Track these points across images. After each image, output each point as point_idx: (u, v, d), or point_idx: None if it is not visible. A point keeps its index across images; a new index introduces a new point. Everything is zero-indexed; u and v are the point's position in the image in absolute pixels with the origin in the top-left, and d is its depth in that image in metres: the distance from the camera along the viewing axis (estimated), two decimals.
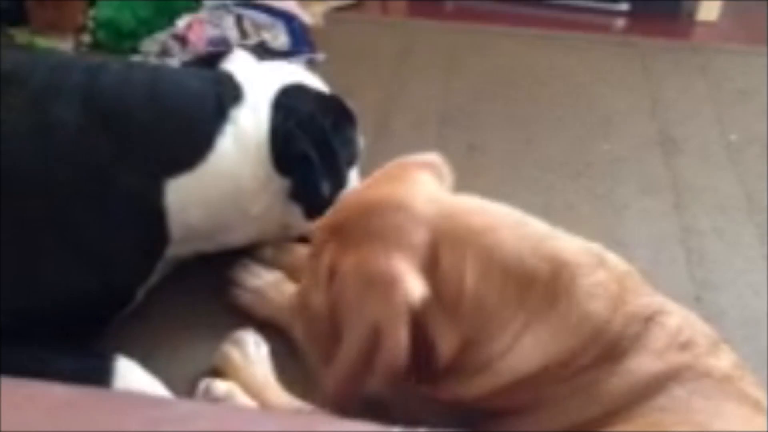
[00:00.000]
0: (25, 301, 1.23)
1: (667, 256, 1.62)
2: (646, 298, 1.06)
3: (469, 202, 1.09)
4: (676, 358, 1.01)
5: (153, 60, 1.99)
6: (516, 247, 1.01)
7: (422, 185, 1.09)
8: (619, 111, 2.02)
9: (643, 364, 1.00)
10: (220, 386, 1.24)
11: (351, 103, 1.49)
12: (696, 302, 1.52)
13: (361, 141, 1.48)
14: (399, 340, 0.96)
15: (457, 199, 1.09)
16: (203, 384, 1.25)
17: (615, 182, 1.80)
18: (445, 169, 1.18)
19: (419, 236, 1.00)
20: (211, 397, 1.24)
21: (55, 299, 1.24)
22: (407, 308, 0.96)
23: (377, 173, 1.14)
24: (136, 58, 2.01)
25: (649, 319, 1.03)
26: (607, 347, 1.00)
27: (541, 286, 1.00)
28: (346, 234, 1.03)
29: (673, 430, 0.94)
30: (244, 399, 1.24)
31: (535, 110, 2.02)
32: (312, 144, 1.33)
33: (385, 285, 0.97)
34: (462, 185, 1.79)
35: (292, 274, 1.43)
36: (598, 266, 1.04)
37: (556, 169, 1.83)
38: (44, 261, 1.23)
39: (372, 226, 1.02)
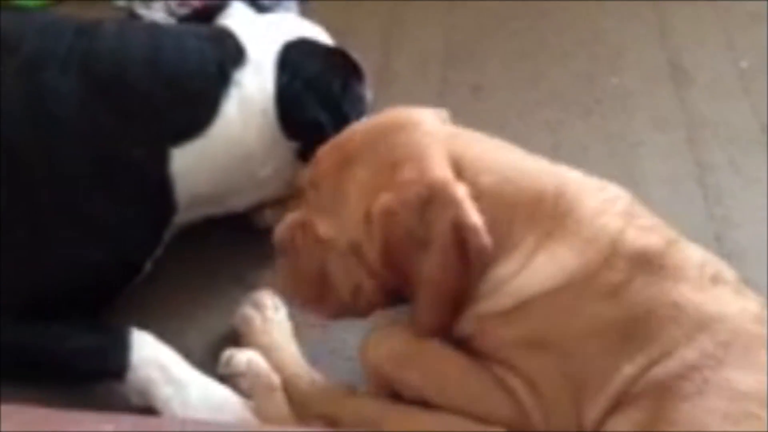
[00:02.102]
0: (32, 278, 1.21)
1: (684, 195, 1.58)
2: (659, 221, 1.06)
3: (475, 134, 1.11)
4: (714, 293, 0.99)
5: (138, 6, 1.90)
6: (521, 166, 1.04)
7: (427, 113, 1.10)
8: (627, 42, 1.95)
9: (687, 296, 0.97)
10: (242, 359, 1.22)
11: (352, 50, 1.43)
12: (716, 241, 1.49)
13: (369, 94, 1.43)
14: (478, 221, 0.97)
15: (461, 129, 1.11)
16: (226, 355, 1.23)
17: (627, 118, 1.75)
18: (447, 117, 1.16)
19: (439, 150, 1.01)
20: (231, 370, 1.21)
21: (62, 274, 1.21)
22: (468, 197, 0.97)
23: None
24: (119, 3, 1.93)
25: (671, 241, 1.02)
26: (636, 258, 0.98)
27: (549, 204, 1.01)
28: (360, 162, 1.02)
29: (707, 391, 0.93)
30: (264, 370, 1.21)
31: (540, 45, 1.95)
32: (321, 106, 1.28)
33: (442, 192, 0.97)
34: (469, 128, 1.75)
35: None
36: (601, 187, 1.06)
37: (565, 107, 1.77)
38: (49, 235, 1.20)
39: (391, 148, 1.01)
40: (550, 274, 0.98)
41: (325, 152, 1.08)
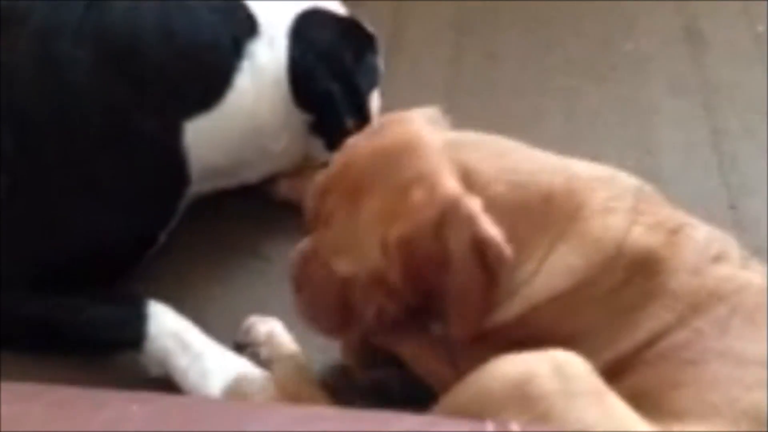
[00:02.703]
0: (47, 250, 1.21)
1: (699, 163, 1.57)
2: (666, 210, 1.05)
3: (474, 135, 1.07)
4: (713, 273, 1.00)
5: None
6: (529, 165, 1.01)
7: (423, 124, 1.05)
8: (642, 7, 1.93)
9: (682, 282, 0.98)
10: (261, 329, 1.23)
11: (364, 19, 1.42)
12: (730, 210, 1.48)
13: (382, 64, 1.42)
14: (496, 233, 0.95)
15: (461, 134, 1.06)
16: (246, 324, 1.24)
17: (642, 84, 1.73)
18: (442, 120, 1.12)
19: (445, 165, 0.98)
20: (251, 339, 1.22)
21: (76, 245, 1.22)
22: (482, 209, 0.95)
23: (390, 117, 1.08)
24: None
25: (674, 232, 1.02)
26: (637, 261, 0.99)
27: (559, 203, 0.99)
28: (369, 193, 0.98)
29: (710, 359, 0.94)
30: (284, 340, 1.22)
31: (553, 10, 1.92)
32: (333, 79, 1.28)
33: (455, 210, 0.94)
34: (482, 96, 1.75)
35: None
36: (609, 180, 1.04)
37: (580, 74, 1.76)
38: (63, 207, 1.21)
39: (397, 174, 0.98)
40: (560, 278, 0.98)
41: (328, 183, 1.04)
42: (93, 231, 1.22)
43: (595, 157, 1.56)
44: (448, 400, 0.91)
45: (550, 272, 0.98)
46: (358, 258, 1.00)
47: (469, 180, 0.97)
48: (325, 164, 1.38)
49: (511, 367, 0.89)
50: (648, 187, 1.08)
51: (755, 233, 1.44)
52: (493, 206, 0.96)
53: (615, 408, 0.90)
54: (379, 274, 0.99)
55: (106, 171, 1.22)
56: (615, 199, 1.01)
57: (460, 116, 1.70)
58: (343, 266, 1.01)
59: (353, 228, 0.99)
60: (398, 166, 0.97)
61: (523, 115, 1.67)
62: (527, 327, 0.99)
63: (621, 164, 1.53)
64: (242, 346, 1.23)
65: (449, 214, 0.94)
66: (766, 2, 1.92)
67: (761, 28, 1.86)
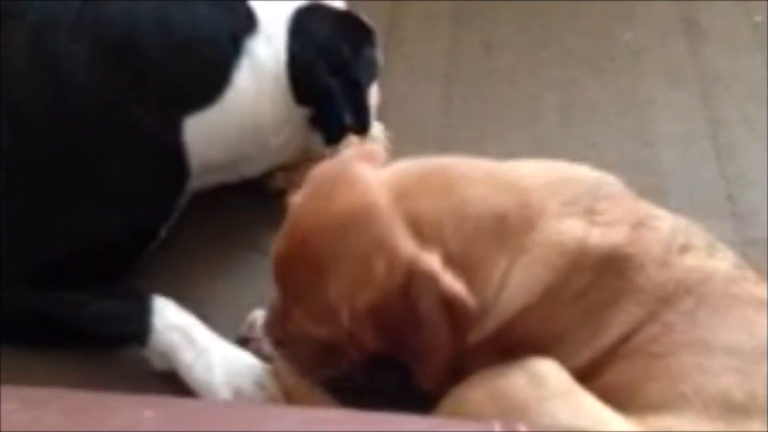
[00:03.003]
0: (47, 245, 1.22)
1: (697, 154, 1.58)
2: (627, 204, 1.07)
3: (419, 170, 1.06)
4: (680, 264, 1.02)
5: None
6: (477, 192, 1.02)
7: (368, 179, 1.04)
8: None
9: (650, 276, 1.01)
10: None
11: (362, 10, 1.42)
12: (728, 201, 1.49)
13: (380, 57, 1.42)
14: (458, 288, 0.97)
15: (405, 173, 1.05)
16: (250, 318, 1.24)
17: (639, 75, 1.74)
18: (383, 155, 1.12)
19: (397, 225, 0.98)
20: (255, 333, 1.23)
21: (76, 241, 1.22)
22: (440, 263, 0.97)
23: (312, 182, 1.06)
24: None
25: (637, 226, 1.04)
26: (602, 260, 1.01)
27: (514, 220, 1.01)
28: (331, 271, 0.99)
29: (679, 351, 0.97)
30: None
31: (550, 1, 1.92)
32: (332, 74, 1.28)
33: (416, 272, 0.96)
34: (479, 87, 1.75)
35: None
36: (564, 183, 1.05)
37: (577, 65, 1.76)
38: (63, 202, 1.21)
39: (354, 247, 0.98)
40: (526, 290, 1.00)
41: (288, 256, 1.04)
42: (93, 226, 1.22)
43: (592, 148, 1.60)
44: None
45: (515, 286, 1.00)
46: (333, 326, 1.01)
47: (422, 231, 0.99)
48: (321, 158, 1.40)
49: (489, 380, 0.96)
50: (609, 181, 1.09)
51: (754, 224, 1.45)
52: (449, 249, 0.98)
53: (588, 406, 0.94)
54: (355, 336, 1.01)
55: (105, 166, 1.22)
56: (569, 203, 1.03)
57: (458, 107, 1.73)
58: (321, 332, 1.03)
59: (324, 301, 1.00)
60: (355, 237, 0.98)
61: (520, 107, 1.68)
62: (508, 337, 1.01)
63: (619, 156, 1.57)
64: (245, 341, 1.24)
65: (412, 278, 0.96)
66: None
67: (759, 18, 1.86)
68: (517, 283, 1.00)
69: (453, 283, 0.97)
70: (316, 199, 1.04)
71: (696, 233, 1.08)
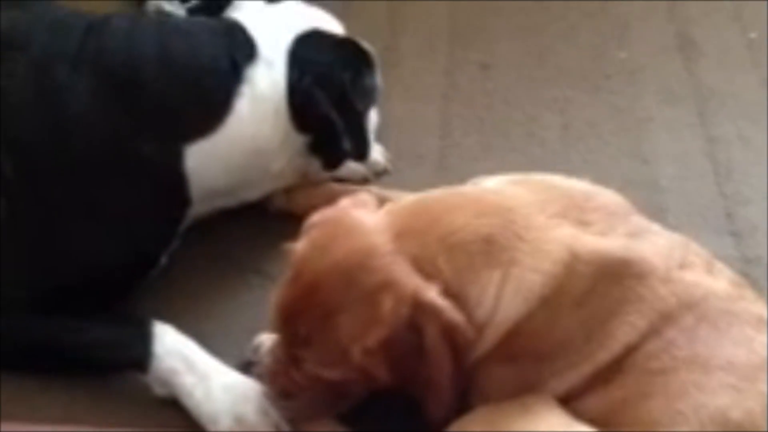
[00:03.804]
0: (49, 273, 1.22)
1: (695, 172, 1.58)
2: (621, 216, 1.09)
3: (407, 211, 1.10)
4: (680, 279, 1.04)
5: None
6: (461, 220, 1.05)
7: (365, 225, 1.08)
8: (635, 13, 1.94)
9: (653, 288, 1.02)
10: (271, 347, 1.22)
11: (360, 35, 1.43)
12: (726, 218, 1.50)
13: (380, 82, 1.42)
14: (458, 319, 1.01)
15: (396, 216, 1.09)
16: (255, 342, 1.23)
17: (635, 93, 1.75)
18: (373, 202, 1.15)
19: (400, 263, 1.03)
20: (259, 357, 1.21)
21: (77, 268, 1.23)
22: (440, 295, 1.01)
23: (312, 232, 1.10)
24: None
25: (632, 236, 1.06)
26: (599, 266, 1.03)
27: (501, 237, 1.04)
28: (340, 311, 1.02)
29: (678, 367, 0.99)
30: None
31: (546, 20, 1.93)
32: (332, 103, 1.29)
33: (421, 305, 1.00)
34: (477, 107, 1.76)
35: (305, 215, 1.41)
36: (550, 198, 1.08)
37: (574, 84, 1.77)
38: (64, 230, 1.21)
39: (361, 288, 1.02)
40: (522, 298, 1.03)
41: (294, 305, 1.07)
42: (94, 254, 1.23)
43: (590, 167, 1.60)
44: None
45: (510, 296, 1.03)
46: (346, 366, 1.04)
47: (421, 267, 1.03)
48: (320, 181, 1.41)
49: (489, 415, 1.01)
50: (602, 193, 1.12)
51: (752, 242, 1.45)
52: (446, 278, 1.02)
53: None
54: (368, 373, 1.04)
55: (106, 195, 1.22)
56: (557, 215, 1.06)
57: (456, 127, 1.73)
58: (334, 374, 1.06)
59: (335, 344, 1.03)
60: (361, 279, 1.02)
61: (518, 127, 1.68)
62: (512, 346, 1.04)
63: (617, 174, 1.58)
64: (249, 364, 1.23)
65: (417, 311, 1.00)
66: (757, 9, 1.94)
67: (753, 35, 1.87)
68: (512, 293, 1.02)
69: (452, 312, 1.01)
70: (319, 247, 1.07)
71: (694, 250, 1.10)
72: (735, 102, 1.72)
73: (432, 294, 1.01)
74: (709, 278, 1.06)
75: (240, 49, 1.28)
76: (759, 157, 1.60)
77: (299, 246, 1.08)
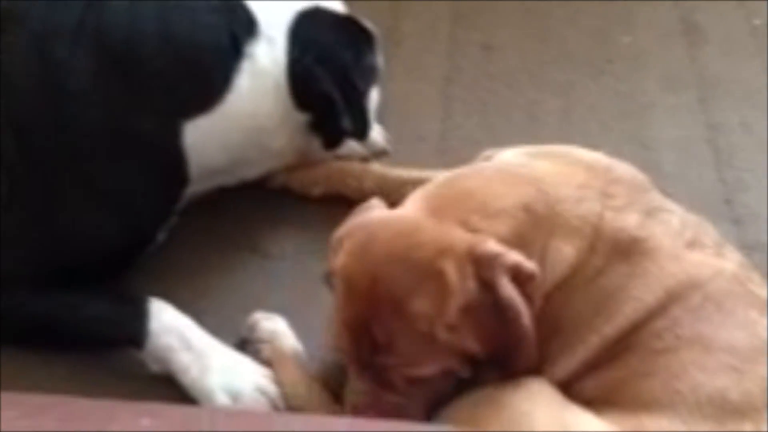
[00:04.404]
0: (46, 249, 1.22)
1: (695, 158, 1.58)
2: (638, 191, 1.10)
3: (438, 187, 1.09)
4: (688, 258, 1.04)
5: None
6: (500, 190, 1.05)
7: (397, 212, 1.07)
8: None
9: (662, 265, 1.03)
10: (267, 326, 1.24)
11: (362, 14, 1.42)
12: (726, 205, 1.49)
13: (381, 61, 1.42)
14: (518, 256, 1.00)
15: (425, 195, 1.08)
16: (251, 320, 1.24)
17: (638, 78, 1.74)
18: (384, 206, 1.13)
19: (451, 229, 1.01)
20: (255, 336, 1.23)
21: (75, 244, 1.23)
22: (497, 246, 1.00)
23: (343, 243, 1.06)
24: None
25: (648, 214, 1.07)
26: (613, 243, 1.04)
27: (539, 208, 1.04)
28: (407, 298, 0.98)
29: (680, 347, 1.00)
30: (288, 340, 1.23)
31: (550, 3, 1.92)
32: (333, 79, 1.28)
33: (483, 258, 0.98)
34: (479, 89, 1.75)
35: (305, 190, 1.42)
36: (576, 171, 1.08)
37: (576, 68, 1.76)
38: (62, 206, 1.21)
39: (419, 267, 0.99)
40: (558, 267, 1.03)
41: (366, 325, 1.01)
42: (92, 230, 1.23)
43: (591, 151, 1.59)
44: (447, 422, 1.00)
45: (549, 268, 1.02)
46: (437, 355, 1.00)
47: (469, 229, 1.01)
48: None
49: (488, 395, 1.00)
50: (621, 166, 1.13)
51: (752, 228, 1.45)
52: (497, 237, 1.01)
53: (574, 417, 0.97)
54: (459, 350, 1.00)
55: (105, 171, 1.22)
56: (583, 186, 1.07)
57: (457, 109, 1.72)
58: (429, 369, 1.01)
59: (418, 334, 0.98)
60: (416, 259, 0.99)
61: (519, 110, 1.68)
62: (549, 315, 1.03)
63: (618, 159, 1.56)
64: (245, 342, 1.24)
65: (482, 264, 0.98)
66: None
67: (758, 21, 1.86)
68: (551, 264, 1.03)
69: (514, 254, 0.99)
70: (360, 252, 1.03)
71: (705, 231, 1.10)
72: (737, 88, 1.71)
73: (489, 243, 0.99)
74: (718, 259, 1.06)
75: (241, 25, 1.27)
76: (760, 144, 1.60)
77: (338, 261, 1.05)
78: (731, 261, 1.07)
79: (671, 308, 1.01)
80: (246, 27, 1.28)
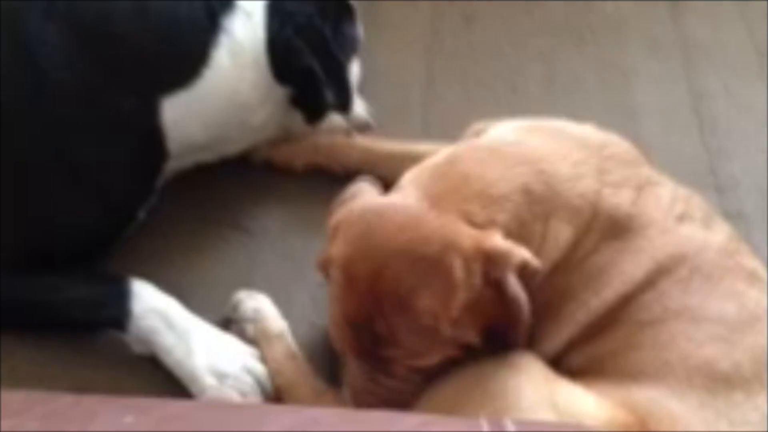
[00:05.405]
0: (24, 230, 1.19)
1: (679, 126, 1.57)
2: (631, 165, 1.09)
3: (432, 171, 1.05)
4: (677, 231, 1.05)
5: None
6: (497, 172, 1.03)
7: (398, 202, 1.03)
8: None
9: (652, 239, 1.04)
10: (249, 305, 1.23)
11: None
12: (710, 173, 1.49)
13: (361, 31, 1.39)
14: (524, 252, 0.98)
15: (419, 180, 1.04)
16: (234, 299, 1.24)
17: (621, 46, 1.72)
18: (376, 186, 1.10)
19: (455, 223, 0.98)
20: (238, 315, 1.22)
21: (54, 225, 1.20)
22: (503, 239, 0.98)
23: (342, 229, 1.03)
24: None
25: (640, 188, 1.07)
26: (608, 220, 1.04)
27: (536, 187, 1.03)
28: (413, 293, 0.96)
29: (668, 318, 1.00)
30: (272, 317, 1.22)
31: None
32: (313, 54, 1.25)
33: (490, 255, 0.96)
34: (461, 60, 1.73)
35: (287, 165, 1.41)
36: (571, 148, 1.07)
37: (559, 36, 1.74)
38: (40, 187, 1.19)
39: (425, 262, 0.97)
40: (556, 248, 1.02)
41: (367, 316, 0.99)
42: (70, 210, 1.20)
43: (574, 120, 1.58)
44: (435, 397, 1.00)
45: (549, 249, 1.02)
46: (439, 346, 0.99)
47: (471, 221, 0.99)
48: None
49: (474, 371, 1.00)
50: (614, 140, 1.13)
51: (734, 196, 1.45)
52: (498, 227, 0.99)
53: (562, 389, 0.97)
54: (459, 340, 0.99)
55: (81, 149, 1.19)
56: (580, 163, 1.06)
57: (439, 80, 1.70)
58: (431, 360, 1.01)
59: (421, 328, 0.97)
60: (420, 254, 0.97)
61: (502, 79, 1.66)
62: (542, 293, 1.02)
63: (601, 128, 1.55)
64: (229, 321, 1.23)
65: (488, 261, 0.96)
66: None
67: None
68: (551, 245, 1.02)
69: (521, 250, 0.97)
70: (360, 243, 1.00)
71: (695, 204, 1.10)
72: (721, 55, 1.70)
73: (495, 239, 0.97)
74: (706, 231, 1.07)
75: None
76: (744, 112, 1.59)
77: (336, 251, 1.01)
78: (720, 233, 1.08)
79: (659, 281, 1.02)
80: (223, 1, 1.25)
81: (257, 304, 1.23)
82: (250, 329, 1.21)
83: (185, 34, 1.22)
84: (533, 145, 1.08)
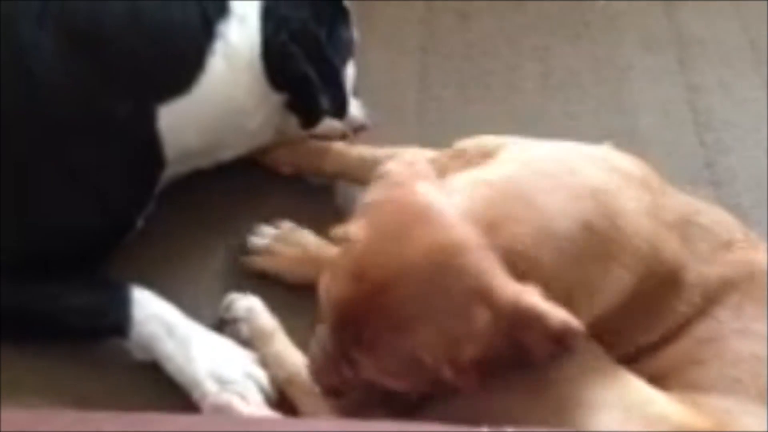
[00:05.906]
0: (22, 238, 1.19)
1: (675, 121, 1.58)
2: (676, 197, 1.06)
3: (496, 186, 0.95)
4: (723, 259, 1.03)
5: None
6: (556, 204, 0.93)
7: (445, 211, 0.91)
8: None
9: (697, 273, 1.01)
10: (242, 304, 1.23)
11: None
12: (706, 168, 1.50)
13: (356, 34, 1.39)
14: (563, 315, 0.89)
15: (482, 197, 0.93)
16: (227, 300, 1.24)
17: (616, 41, 1.72)
18: (432, 171, 0.99)
19: (491, 263, 0.88)
20: (231, 315, 1.23)
21: (52, 233, 1.20)
22: (541, 298, 0.89)
23: (372, 215, 0.93)
24: None
25: (687, 222, 1.03)
26: (662, 261, 0.99)
27: (599, 226, 0.94)
28: (420, 322, 0.87)
29: (728, 336, 0.98)
30: (263, 317, 1.22)
31: None
32: (308, 57, 1.25)
33: (523, 315, 0.87)
34: (455, 57, 1.73)
35: (281, 169, 1.40)
36: (625, 178, 1.00)
37: (554, 32, 1.74)
38: (37, 195, 1.18)
39: (446, 295, 0.87)
40: (616, 294, 0.96)
41: (360, 303, 0.89)
42: (68, 217, 1.20)
43: (571, 117, 1.59)
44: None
45: (607, 293, 0.96)
46: (417, 378, 0.91)
47: (516, 264, 0.89)
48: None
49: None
50: (650, 171, 1.06)
51: (731, 190, 1.45)
52: (545, 274, 0.90)
53: (632, 384, 0.94)
54: (448, 386, 0.91)
55: (78, 157, 1.19)
56: (636, 199, 0.99)
57: (434, 79, 1.70)
58: (398, 385, 0.93)
59: (408, 356, 0.89)
60: (448, 287, 0.87)
61: (497, 76, 1.66)
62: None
63: (597, 124, 1.57)
64: (224, 322, 1.23)
65: (519, 322, 0.87)
66: None
67: None
68: (609, 290, 0.95)
69: (560, 314, 0.88)
70: (386, 237, 0.90)
71: (735, 226, 1.07)
72: (716, 49, 1.70)
73: (535, 300, 0.86)
74: (752, 254, 1.05)
75: (211, 4, 1.24)
76: (739, 106, 1.59)
77: (357, 231, 0.91)
78: (762, 252, 1.05)
79: (710, 310, 1.00)
80: (217, 6, 1.24)
81: (248, 303, 1.23)
82: (244, 329, 1.21)
83: (180, 40, 1.22)
84: (593, 174, 0.98)
